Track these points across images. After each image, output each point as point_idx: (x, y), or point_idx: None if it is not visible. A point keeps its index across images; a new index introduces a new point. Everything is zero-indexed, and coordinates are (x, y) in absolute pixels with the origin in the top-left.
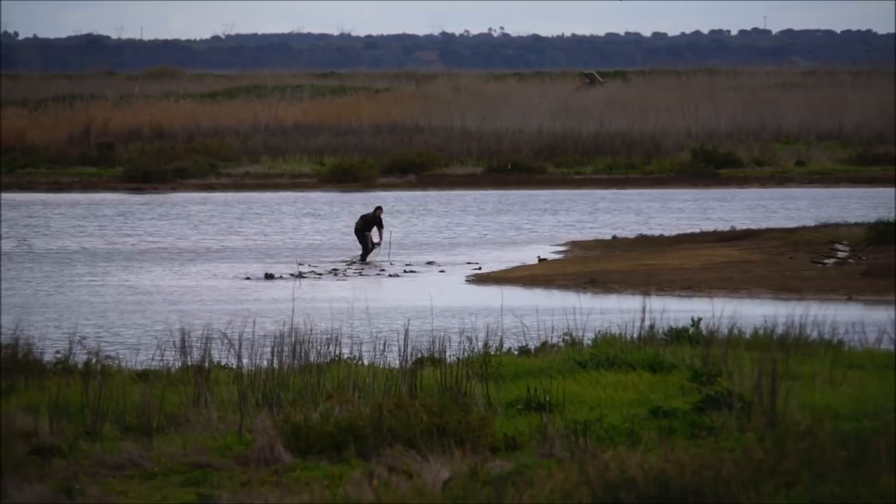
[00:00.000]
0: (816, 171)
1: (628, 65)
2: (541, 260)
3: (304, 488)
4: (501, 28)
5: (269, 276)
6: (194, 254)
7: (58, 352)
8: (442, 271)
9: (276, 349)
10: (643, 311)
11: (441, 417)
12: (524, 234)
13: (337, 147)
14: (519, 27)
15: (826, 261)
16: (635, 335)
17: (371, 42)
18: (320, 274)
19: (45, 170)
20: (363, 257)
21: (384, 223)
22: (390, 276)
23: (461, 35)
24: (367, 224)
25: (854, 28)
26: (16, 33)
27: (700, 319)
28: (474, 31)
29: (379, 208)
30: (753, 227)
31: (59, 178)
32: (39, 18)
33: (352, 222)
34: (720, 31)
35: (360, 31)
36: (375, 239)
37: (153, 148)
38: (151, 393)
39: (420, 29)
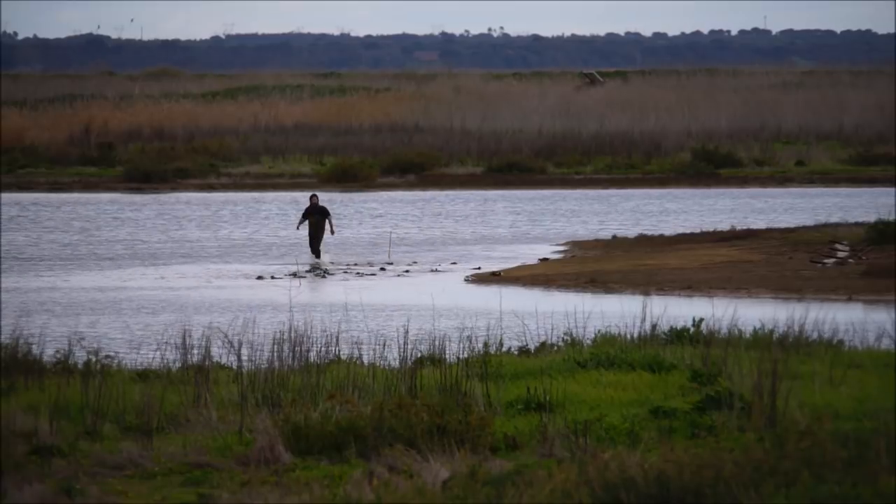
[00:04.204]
0: (816, 171)
1: (628, 65)
2: (542, 260)
3: (304, 488)
4: (501, 28)
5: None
6: (194, 254)
7: (58, 352)
8: (438, 271)
9: (275, 349)
10: (643, 311)
11: (442, 417)
12: (524, 234)
13: (337, 147)
14: (519, 27)
15: (826, 261)
16: (635, 335)
17: (371, 42)
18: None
19: (45, 170)
20: None
21: None
22: (390, 276)
23: (461, 35)
24: None
25: (854, 28)
26: (16, 33)
27: (702, 320)
28: (474, 31)
29: None
30: (753, 227)
31: (59, 178)
32: (39, 18)
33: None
34: (720, 31)
35: (360, 31)
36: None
37: (153, 148)
38: (151, 393)
39: (420, 29)
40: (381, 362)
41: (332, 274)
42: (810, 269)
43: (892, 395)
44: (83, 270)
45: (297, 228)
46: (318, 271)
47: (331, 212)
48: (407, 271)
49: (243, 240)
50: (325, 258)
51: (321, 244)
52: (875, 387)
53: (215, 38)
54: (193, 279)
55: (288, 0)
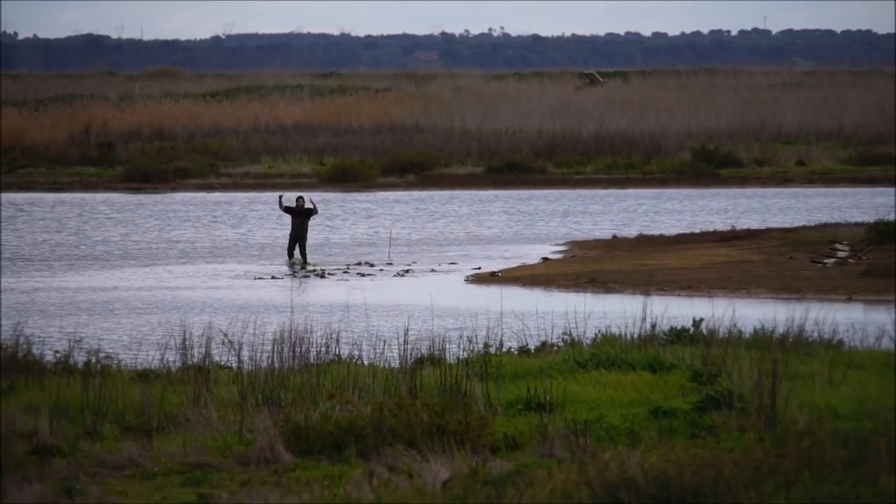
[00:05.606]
0: (816, 171)
1: (628, 65)
2: (542, 260)
3: (304, 488)
4: (501, 28)
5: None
6: (192, 254)
7: (58, 352)
8: (438, 271)
9: (275, 349)
10: (643, 310)
11: (442, 417)
12: (524, 234)
13: (337, 147)
14: (519, 27)
15: (826, 261)
16: (635, 335)
17: (371, 42)
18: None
19: (45, 170)
20: None
21: None
22: (390, 276)
23: (461, 35)
24: None
25: (854, 28)
26: (16, 33)
27: (702, 320)
28: (474, 31)
29: None
30: (753, 227)
31: (59, 178)
32: (39, 18)
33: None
34: (720, 31)
35: (360, 31)
36: None
37: (153, 148)
38: (151, 393)
39: (420, 29)
40: (381, 362)
41: (331, 274)
42: (810, 269)
43: (892, 395)
44: (80, 271)
45: (280, 205)
46: (317, 270)
47: (317, 210)
48: (406, 271)
49: (242, 240)
50: (311, 261)
51: (306, 244)
52: (875, 387)
53: (215, 38)
54: (192, 279)
55: (288, 0)
